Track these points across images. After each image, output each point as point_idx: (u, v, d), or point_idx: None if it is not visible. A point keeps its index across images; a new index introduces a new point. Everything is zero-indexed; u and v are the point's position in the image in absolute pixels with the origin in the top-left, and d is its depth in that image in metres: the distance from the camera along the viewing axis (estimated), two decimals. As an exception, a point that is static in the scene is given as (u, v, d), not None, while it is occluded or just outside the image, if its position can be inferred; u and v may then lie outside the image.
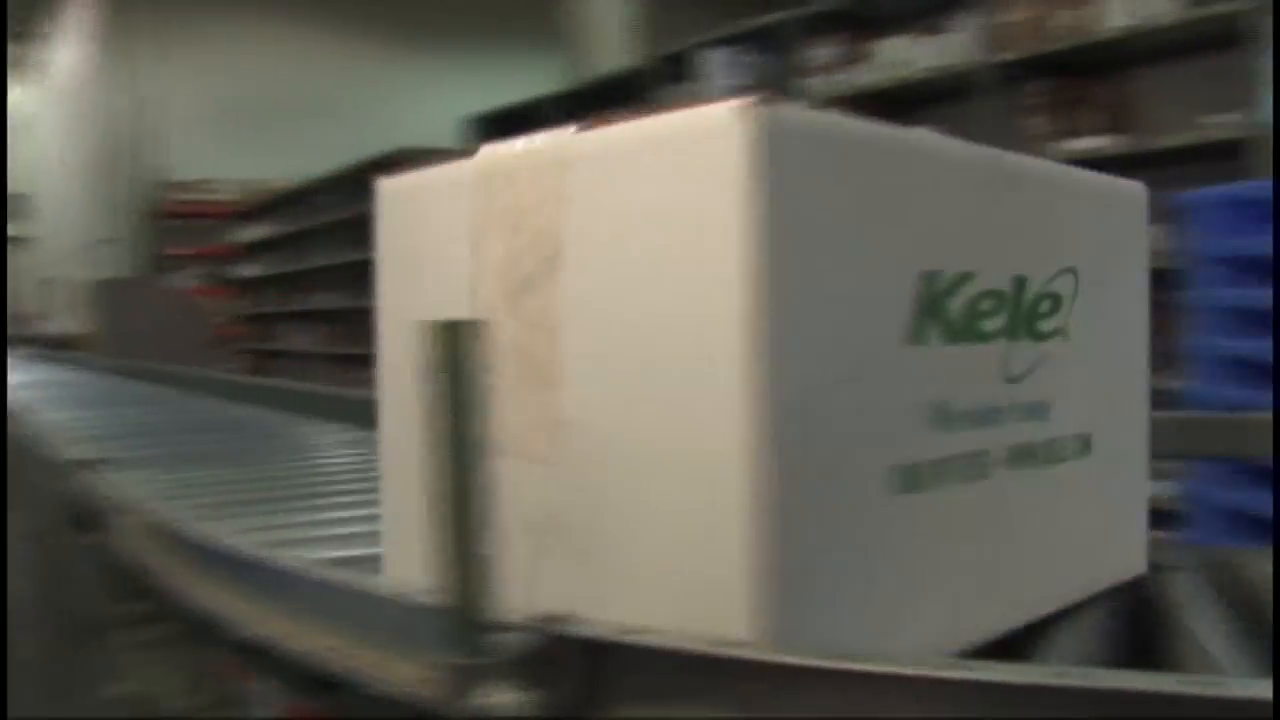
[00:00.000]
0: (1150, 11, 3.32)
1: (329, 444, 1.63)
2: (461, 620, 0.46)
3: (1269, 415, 1.27)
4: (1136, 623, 0.70)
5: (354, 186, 7.15)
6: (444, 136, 6.20)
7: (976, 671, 0.41)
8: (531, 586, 0.55)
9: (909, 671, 0.41)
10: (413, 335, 0.48)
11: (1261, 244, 1.93)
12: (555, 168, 0.56)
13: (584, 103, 5.42)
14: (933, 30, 3.99)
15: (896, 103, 4.13)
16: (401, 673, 0.53)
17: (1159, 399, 0.78)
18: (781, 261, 0.48)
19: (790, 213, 0.48)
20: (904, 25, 4.09)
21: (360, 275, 7.09)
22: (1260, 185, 1.98)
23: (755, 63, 4.52)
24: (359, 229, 7.14)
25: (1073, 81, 3.58)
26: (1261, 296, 1.92)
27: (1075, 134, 3.48)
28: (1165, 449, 1.34)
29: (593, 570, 0.55)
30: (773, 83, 4.36)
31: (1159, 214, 0.87)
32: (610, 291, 0.54)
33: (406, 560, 0.65)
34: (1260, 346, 1.91)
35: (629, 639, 0.46)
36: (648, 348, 0.52)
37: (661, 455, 0.52)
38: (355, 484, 1.17)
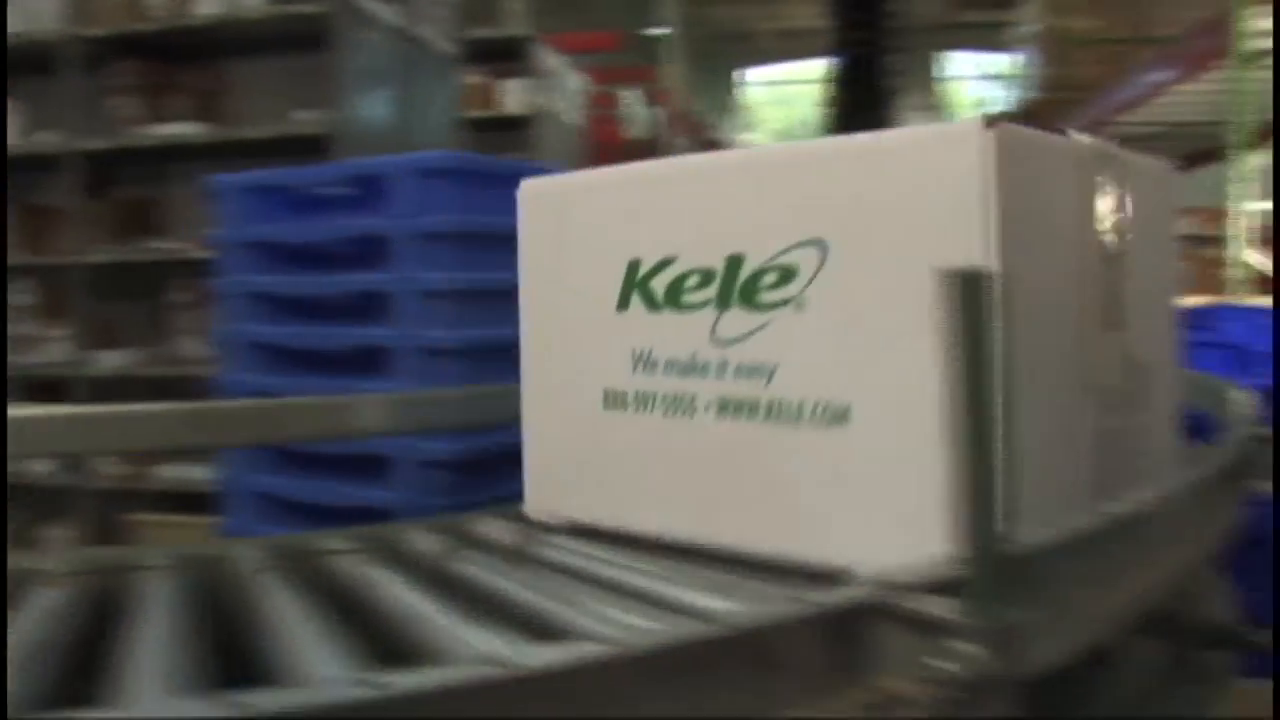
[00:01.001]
0: (239, 2, 3.38)
1: None
2: None
3: (299, 399, 1.28)
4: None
5: None
6: None
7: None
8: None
9: None
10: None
11: (286, 230, 1.99)
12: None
13: None
14: (13, -5, 3.62)
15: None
16: None
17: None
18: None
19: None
20: (-20, -14, 3.65)
21: None
22: (288, 173, 2.03)
23: None
24: None
25: (164, 65, 3.48)
26: (286, 282, 1.98)
27: (164, 119, 3.39)
28: (201, 440, 1.29)
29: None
30: None
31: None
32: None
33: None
34: (286, 332, 1.97)
35: None
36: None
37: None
38: None
